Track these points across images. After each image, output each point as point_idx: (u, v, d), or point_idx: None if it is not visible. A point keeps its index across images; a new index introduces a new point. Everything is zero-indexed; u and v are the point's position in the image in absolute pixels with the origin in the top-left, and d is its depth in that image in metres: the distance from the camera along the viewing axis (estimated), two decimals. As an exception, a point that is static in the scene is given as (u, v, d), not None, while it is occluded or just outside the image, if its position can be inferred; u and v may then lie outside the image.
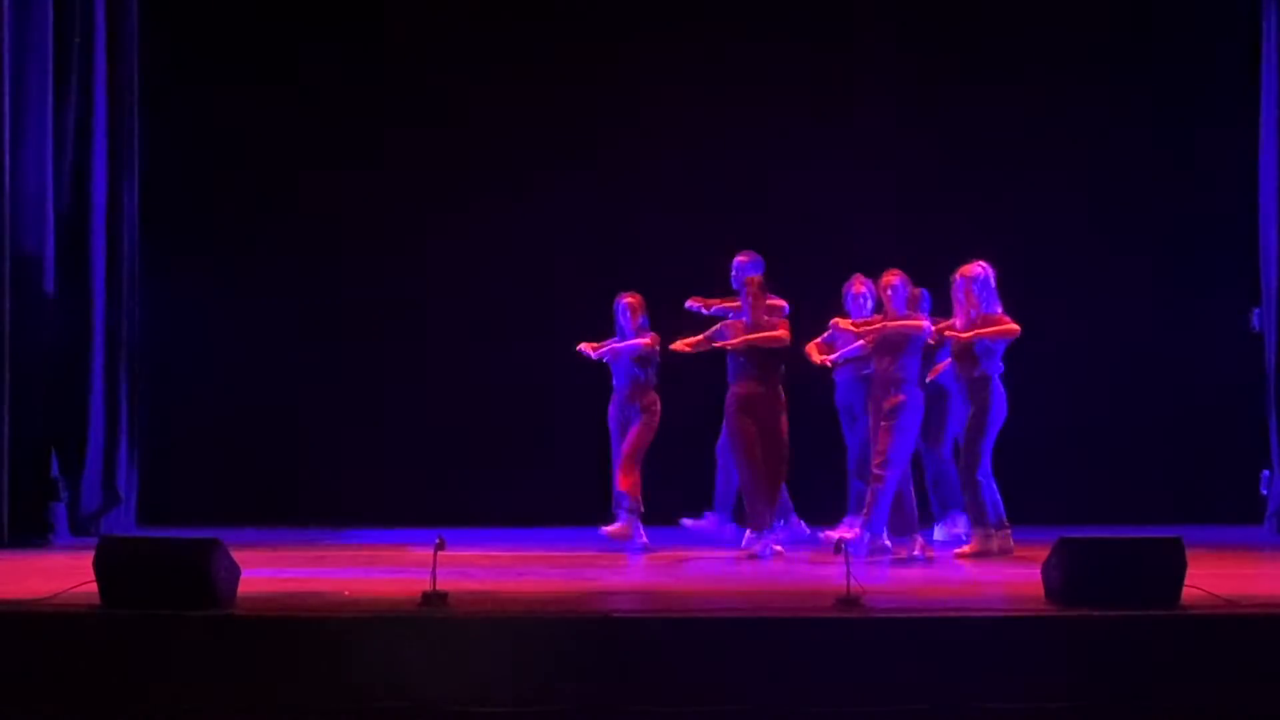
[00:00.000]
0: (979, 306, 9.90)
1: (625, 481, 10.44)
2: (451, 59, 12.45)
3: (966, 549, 9.84)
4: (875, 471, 9.72)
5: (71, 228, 11.37)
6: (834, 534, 10.13)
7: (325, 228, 12.41)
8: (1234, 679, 6.82)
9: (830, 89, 12.33)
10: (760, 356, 9.98)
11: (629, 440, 10.49)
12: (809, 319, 10.46)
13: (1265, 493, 11.59)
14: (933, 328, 9.89)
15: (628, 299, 10.64)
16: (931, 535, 10.44)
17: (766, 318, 10.09)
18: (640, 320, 10.58)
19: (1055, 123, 12.27)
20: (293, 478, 12.15)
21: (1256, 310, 11.77)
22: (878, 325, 9.90)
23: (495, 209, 12.37)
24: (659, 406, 10.56)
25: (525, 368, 12.01)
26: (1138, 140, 12.29)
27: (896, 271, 9.92)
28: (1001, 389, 9.91)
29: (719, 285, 10.74)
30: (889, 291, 9.88)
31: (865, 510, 9.82)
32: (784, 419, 10.03)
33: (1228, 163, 12.07)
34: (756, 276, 10.29)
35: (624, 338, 10.61)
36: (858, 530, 9.86)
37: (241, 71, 12.38)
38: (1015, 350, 11.04)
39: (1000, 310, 9.92)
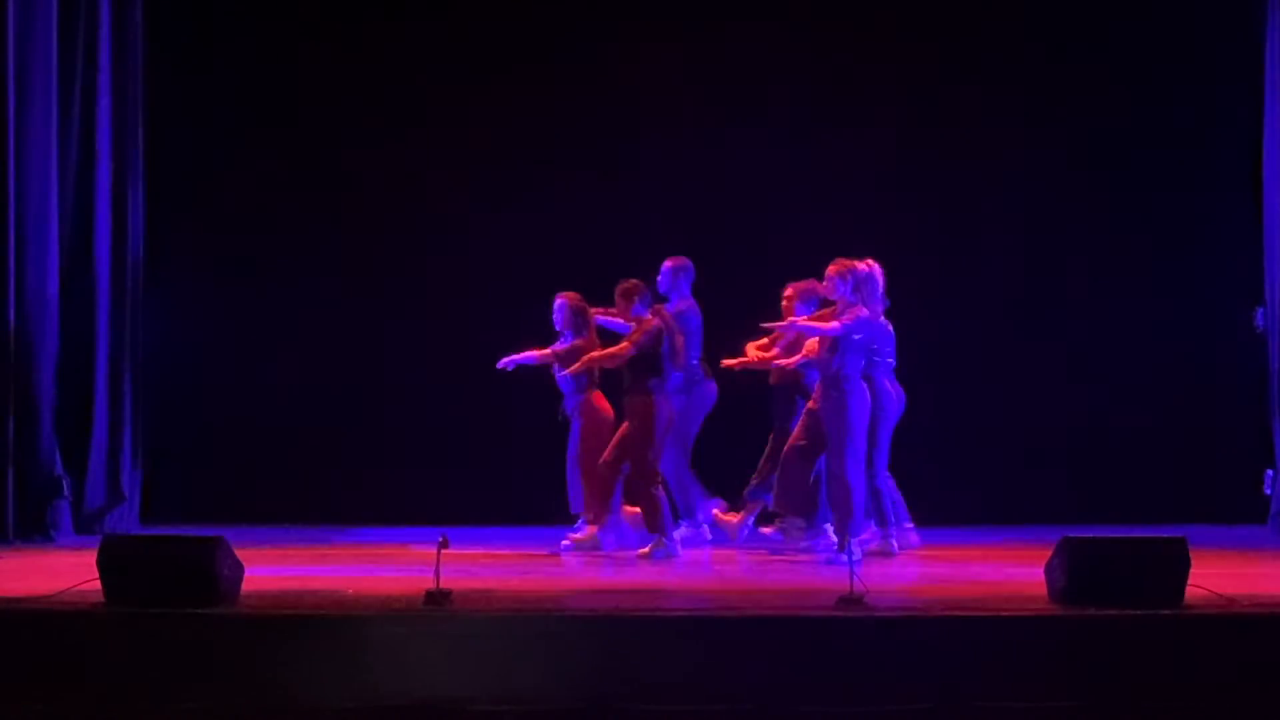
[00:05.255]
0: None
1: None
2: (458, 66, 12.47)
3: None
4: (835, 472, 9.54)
5: (76, 227, 11.35)
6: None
7: (327, 231, 12.38)
8: (1237, 678, 6.83)
9: (831, 90, 12.29)
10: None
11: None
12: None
13: (1269, 492, 11.56)
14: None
15: (562, 298, 10.42)
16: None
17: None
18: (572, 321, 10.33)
19: (1055, 121, 12.22)
20: (295, 476, 12.12)
21: (1260, 310, 11.74)
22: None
23: (496, 208, 12.34)
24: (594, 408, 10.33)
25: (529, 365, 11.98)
26: (1140, 137, 12.24)
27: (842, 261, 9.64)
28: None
29: (716, 288, 10.79)
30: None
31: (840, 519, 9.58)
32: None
33: (1232, 160, 12.03)
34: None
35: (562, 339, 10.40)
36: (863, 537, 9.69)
37: (247, 74, 12.37)
38: (1019, 349, 11.06)
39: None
